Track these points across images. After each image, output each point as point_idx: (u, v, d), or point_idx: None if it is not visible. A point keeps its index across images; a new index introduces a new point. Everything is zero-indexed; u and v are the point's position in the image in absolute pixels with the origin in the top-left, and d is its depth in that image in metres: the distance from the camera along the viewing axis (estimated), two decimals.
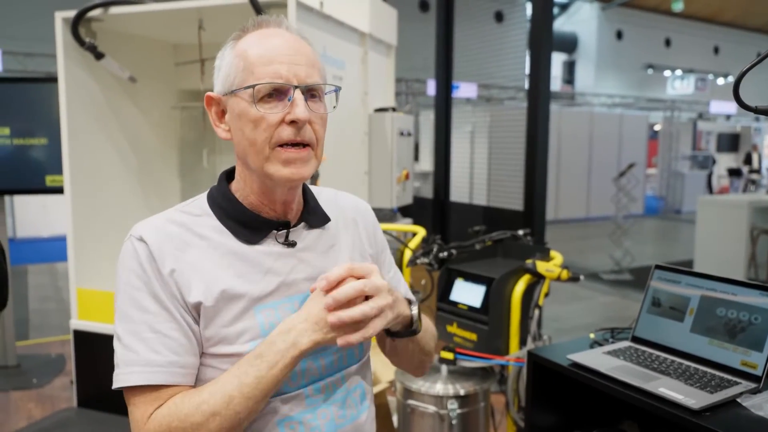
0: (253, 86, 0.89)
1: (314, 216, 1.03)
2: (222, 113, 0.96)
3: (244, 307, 0.92)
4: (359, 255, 1.07)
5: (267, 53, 0.90)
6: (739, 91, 1.09)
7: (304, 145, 0.92)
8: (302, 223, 1.01)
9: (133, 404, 0.87)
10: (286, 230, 0.98)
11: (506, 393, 2.58)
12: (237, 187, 0.99)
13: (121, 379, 0.87)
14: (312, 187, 1.08)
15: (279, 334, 0.88)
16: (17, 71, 9.22)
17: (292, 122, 0.90)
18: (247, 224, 0.96)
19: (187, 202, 1.00)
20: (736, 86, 1.09)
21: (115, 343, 0.90)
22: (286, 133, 0.90)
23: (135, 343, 0.87)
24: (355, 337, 0.87)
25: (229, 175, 1.02)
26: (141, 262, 0.90)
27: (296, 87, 0.90)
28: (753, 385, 1.32)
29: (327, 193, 1.10)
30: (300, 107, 0.89)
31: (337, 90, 0.98)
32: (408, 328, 1.00)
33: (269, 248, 0.96)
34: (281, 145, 0.91)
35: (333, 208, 1.07)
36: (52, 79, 3.58)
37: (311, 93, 0.92)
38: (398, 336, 1.01)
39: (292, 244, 0.98)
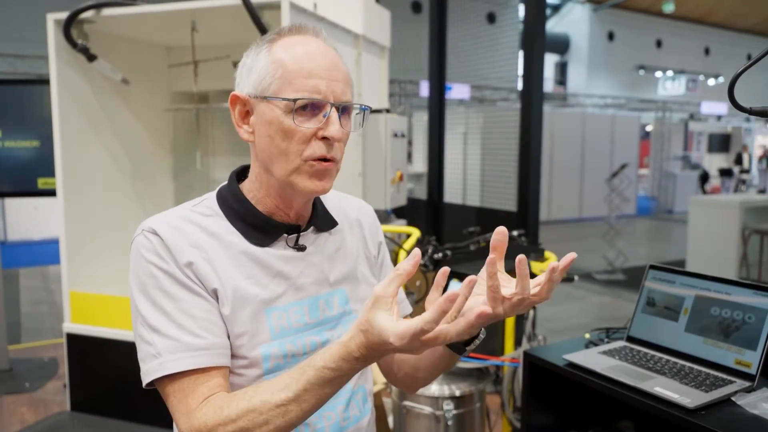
0: (294, 100, 0.87)
1: (323, 220, 1.03)
2: (246, 114, 0.94)
3: (255, 309, 0.91)
4: (364, 256, 1.09)
5: (307, 65, 0.89)
6: (734, 93, 1.10)
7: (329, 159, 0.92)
8: (311, 227, 1.01)
9: (177, 393, 0.85)
10: (296, 234, 0.98)
11: (501, 393, 2.59)
12: (250, 188, 0.98)
13: (168, 366, 0.84)
14: None
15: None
16: (7, 73, 9.18)
17: (324, 138, 0.90)
18: (258, 227, 0.95)
19: (195, 202, 0.99)
20: (731, 88, 1.10)
21: (148, 337, 0.87)
22: (319, 148, 0.90)
23: (174, 331, 0.86)
24: (456, 328, 0.76)
25: (239, 174, 1.01)
26: (159, 253, 0.89)
27: (333, 105, 0.89)
28: (747, 384, 1.33)
29: (331, 196, 1.10)
30: (335, 126, 0.89)
31: (366, 109, 0.98)
32: (468, 342, 0.92)
33: (279, 251, 0.96)
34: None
35: (338, 212, 1.07)
36: (44, 81, 3.55)
37: (343, 110, 0.92)
38: (457, 350, 0.93)
39: (302, 248, 0.98)
